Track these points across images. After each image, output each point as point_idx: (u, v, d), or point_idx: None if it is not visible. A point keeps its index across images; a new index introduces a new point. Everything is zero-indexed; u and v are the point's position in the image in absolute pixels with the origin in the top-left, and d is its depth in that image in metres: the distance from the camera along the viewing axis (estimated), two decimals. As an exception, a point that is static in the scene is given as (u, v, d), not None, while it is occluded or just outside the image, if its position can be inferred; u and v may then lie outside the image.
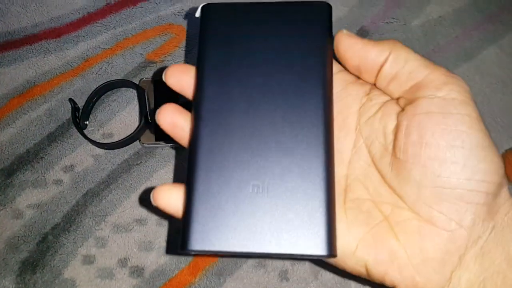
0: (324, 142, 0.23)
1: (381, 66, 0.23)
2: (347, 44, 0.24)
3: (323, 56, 0.24)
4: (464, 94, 0.22)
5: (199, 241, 0.22)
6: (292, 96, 0.24)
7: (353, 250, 0.22)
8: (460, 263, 0.21)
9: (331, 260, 0.23)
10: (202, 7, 0.27)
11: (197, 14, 0.27)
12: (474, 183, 0.21)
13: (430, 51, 0.58)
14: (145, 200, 0.42)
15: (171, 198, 0.23)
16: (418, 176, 0.21)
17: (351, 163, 0.24)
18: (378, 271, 0.22)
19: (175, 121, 0.25)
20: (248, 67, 0.25)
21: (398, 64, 0.22)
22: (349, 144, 0.25)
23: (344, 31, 0.24)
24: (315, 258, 0.22)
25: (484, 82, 0.56)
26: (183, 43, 0.54)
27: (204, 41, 0.26)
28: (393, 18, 0.60)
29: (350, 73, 0.26)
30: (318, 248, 0.21)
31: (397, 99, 0.24)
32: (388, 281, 0.22)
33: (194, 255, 0.22)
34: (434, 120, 0.21)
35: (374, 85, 0.25)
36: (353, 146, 0.25)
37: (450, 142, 0.21)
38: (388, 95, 0.24)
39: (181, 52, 0.53)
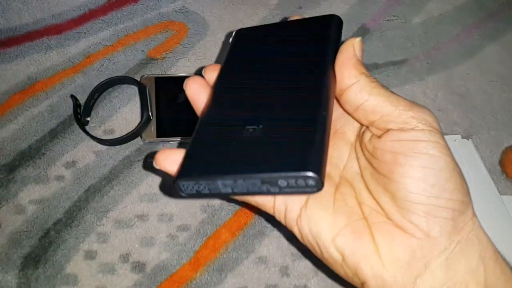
0: (321, 91, 0.25)
1: (344, 90, 0.25)
2: (338, 58, 0.26)
3: (328, 50, 0.27)
4: (432, 125, 0.23)
5: (188, 172, 0.23)
6: (293, 76, 0.27)
7: (334, 236, 0.24)
8: (425, 270, 0.23)
9: (311, 242, 0.25)
10: (236, 32, 0.32)
11: (231, 39, 0.31)
12: (442, 200, 0.23)
13: (430, 48, 0.58)
14: (146, 195, 0.43)
15: (172, 159, 0.25)
16: (392, 190, 0.24)
17: (345, 168, 0.28)
18: (353, 261, 0.24)
19: (199, 92, 0.28)
20: (261, 69, 0.28)
21: (362, 97, 0.24)
22: (346, 153, 0.28)
23: (356, 40, 0.26)
24: (304, 184, 0.22)
25: (484, 79, 0.56)
26: (184, 40, 0.54)
27: (230, 56, 0.30)
28: (394, 16, 0.60)
29: None
30: (306, 166, 0.21)
31: (368, 127, 0.26)
32: (360, 274, 0.24)
33: (187, 197, 0.23)
34: (406, 145, 0.23)
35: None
36: (348, 155, 0.28)
37: (421, 163, 0.23)
38: (358, 121, 0.26)
39: (182, 49, 0.53)
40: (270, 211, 0.27)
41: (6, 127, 0.45)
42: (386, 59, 0.56)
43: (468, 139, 0.49)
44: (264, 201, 0.27)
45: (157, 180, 0.44)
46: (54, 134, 0.45)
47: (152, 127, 0.45)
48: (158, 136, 0.45)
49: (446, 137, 0.49)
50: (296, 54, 0.28)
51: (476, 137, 0.51)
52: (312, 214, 0.25)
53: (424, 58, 0.57)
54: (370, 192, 0.26)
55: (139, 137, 0.45)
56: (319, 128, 0.23)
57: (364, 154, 0.26)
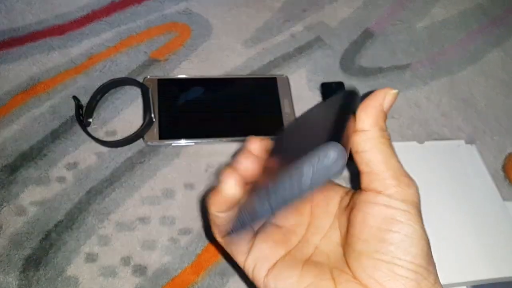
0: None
1: (357, 132, 0.26)
2: (366, 101, 0.26)
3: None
4: (409, 198, 0.25)
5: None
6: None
7: None
8: None
9: None
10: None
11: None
12: (404, 262, 0.24)
13: (434, 53, 0.58)
14: (148, 198, 0.43)
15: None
16: (359, 247, 0.25)
17: (325, 237, 0.29)
18: None
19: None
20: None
21: (365, 146, 0.25)
22: (328, 223, 0.30)
23: (392, 91, 0.26)
24: (329, 162, 0.22)
25: (488, 84, 0.56)
26: (187, 42, 0.54)
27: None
28: (398, 20, 0.60)
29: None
30: (326, 138, 0.22)
31: (359, 175, 0.27)
32: None
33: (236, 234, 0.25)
34: (377, 209, 0.25)
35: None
36: (330, 226, 0.29)
37: (389, 227, 0.24)
38: (355, 163, 0.27)
39: (185, 51, 0.53)
40: (241, 264, 0.29)
41: (8, 128, 0.45)
42: (390, 64, 0.56)
43: (471, 145, 0.49)
44: (237, 253, 0.28)
45: (159, 182, 0.44)
46: (56, 135, 0.45)
47: (155, 129, 0.45)
48: (160, 138, 0.45)
49: (449, 142, 0.49)
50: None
51: (480, 143, 0.51)
52: (280, 272, 0.27)
53: (428, 63, 0.57)
54: (344, 255, 0.27)
55: (141, 139, 0.45)
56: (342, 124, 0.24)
57: (340, 219, 0.28)
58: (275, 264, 0.27)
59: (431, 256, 0.25)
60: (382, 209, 0.24)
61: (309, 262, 0.28)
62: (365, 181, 0.26)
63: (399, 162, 0.26)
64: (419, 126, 0.51)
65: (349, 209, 0.27)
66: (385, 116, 0.26)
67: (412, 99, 0.53)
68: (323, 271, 0.27)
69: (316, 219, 0.30)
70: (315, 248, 0.29)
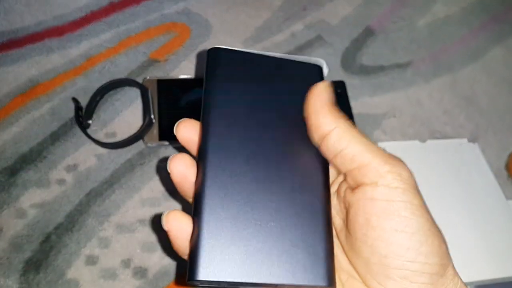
0: (322, 188, 0.25)
1: (323, 138, 0.24)
2: (311, 103, 0.24)
3: None
4: (407, 182, 0.23)
5: (206, 271, 0.22)
6: (293, 147, 0.26)
7: None
8: None
9: None
10: (209, 51, 0.28)
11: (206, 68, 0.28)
12: (417, 265, 0.22)
13: (436, 51, 0.57)
14: (148, 199, 0.42)
15: (181, 223, 0.24)
16: (366, 254, 0.23)
17: None
18: None
19: (186, 173, 0.25)
20: (251, 118, 0.26)
21: (341, 144, 0.23)
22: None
23: (326, 84, 0.24)
24: None
25: (490, 82, 0.55)
26: (186, 42, 0.53)
27: (211, 87, 0.27)
28: (399, 18, 0.60)
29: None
30: (319, 279, 0.23)
31: (345, 175, 0.25)
32: None
33: (201, 286, 0.24)
34: (378, 206, 0.22)
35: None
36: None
37: (393, 226, 0.22)
38: (336, 168, 0.25)
39: (184, 51, 0.53)
40: None
41: (8, 130, 0.44)
42: (391, 62, 0.55)
43: (474, 143, 0.49)
44: None
45: (159, 184, 0.43)
46: (55, 137, 0.45)
47: (155, 130, 0.45)
48: (160, 139, 0.45)
49: (452, 140, 0.49)
50: (289, 117, 0.26)
51: (482, 141, 0.50)
52: None
53: (430, 61, 0.56)
54: (346, 255, 0.25)
55: (141, 140, 0.45)
56: (325, 231, 0.24)
57: (341, 215, 0.26)
58: None
59: (445, 246, 0.23)
60: (382, 205, 0.22)
61: None
62: (355, 178, 0.24)
63: (378, 146, 0.24)
64: (421, 124, 0.51)
65: (343, 208, 0.25)
66: (337, 108, 0.24)
67: (414, 97, 0.53)
68: None
69: None
70: None
